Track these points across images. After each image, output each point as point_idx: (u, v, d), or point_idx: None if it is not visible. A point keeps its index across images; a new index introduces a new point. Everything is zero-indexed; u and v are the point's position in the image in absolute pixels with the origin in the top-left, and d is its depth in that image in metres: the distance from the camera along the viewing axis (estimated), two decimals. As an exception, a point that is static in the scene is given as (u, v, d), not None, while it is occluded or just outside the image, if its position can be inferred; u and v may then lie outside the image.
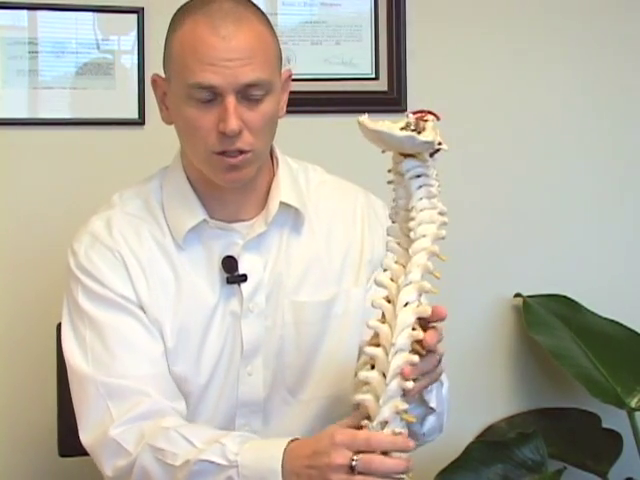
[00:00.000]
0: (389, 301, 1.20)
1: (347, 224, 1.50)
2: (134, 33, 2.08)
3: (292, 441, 1.26)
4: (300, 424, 1.47)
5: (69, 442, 1.79)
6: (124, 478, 1.36)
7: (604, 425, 2.29)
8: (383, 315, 1.21)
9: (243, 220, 1.47)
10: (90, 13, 2.07)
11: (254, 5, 1.44)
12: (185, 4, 1.43)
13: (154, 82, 1.47)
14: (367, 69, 2.22)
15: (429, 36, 2.27)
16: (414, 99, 2.23)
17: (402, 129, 1.15)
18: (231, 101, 1.35)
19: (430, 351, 1.23)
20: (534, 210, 2.36)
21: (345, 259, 1.50)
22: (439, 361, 1.27)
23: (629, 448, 2.20)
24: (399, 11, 2.21)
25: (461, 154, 2.30)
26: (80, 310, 1.44)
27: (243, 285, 1.45)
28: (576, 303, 2.32)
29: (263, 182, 1.49)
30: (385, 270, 1.22)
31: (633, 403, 2.15)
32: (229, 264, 1.44)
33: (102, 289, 1.43)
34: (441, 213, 1.21)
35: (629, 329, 2.29)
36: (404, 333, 1.18)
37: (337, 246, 1.51)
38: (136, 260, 1.45)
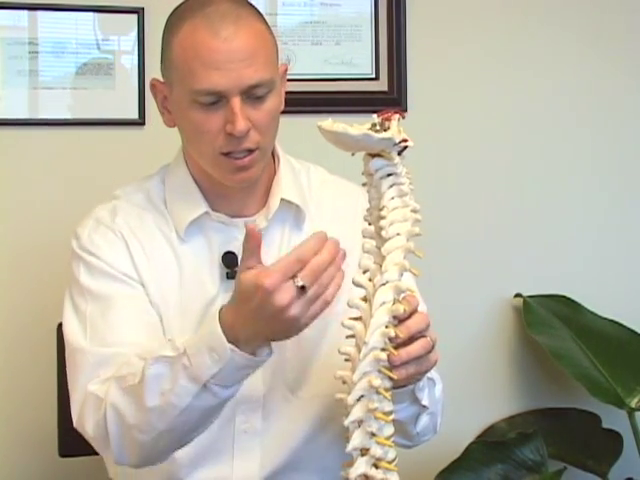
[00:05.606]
0: (366, 300, 1.20)
1: (348, 224, 1.49)
2: (134, 33, 2.08)
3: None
4: (300, 423, 1.46)
5: (69, 442, 1.79)
6: (103, 434, 1.33)
7: (604, 425, 2.29)
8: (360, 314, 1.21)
9: (244, 216, 1.48)
10: (90, 13, 2.07)
11: (250, 4, 1.44)
12: (180, 7, 1.42)
13: (153, 87, 1.47)
14: (367, 69, 2.22)
15: (429, 36, 2.27)
16: (414, 99, 2.23)
17: (368, 130, 1.16)
18: (237, 102, 1.35)
19: (419, 337, 1.20)
20: (534, 210, 2.36)
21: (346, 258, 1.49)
22: (432, 347, 1.22)
23: (629, 448, 2.20)
24: (399, 11, 2.21)
25: (461, 154, 2.30)
26: (82, 287, 1.44)
27: None
28: (576, 303, 2.32)
29: (265, 179, 1.49)
30: (365, 272, 1.21)
31: (633, 403, 2.15)
32: (229, 259, 1.45)
33: (104, 265, 1.44)
34: (414, 211, 1.20)
35: (629, 329, 2.29)
36: (377, 332, 1.17)
37: None
38: (138, 242, 1.46)
